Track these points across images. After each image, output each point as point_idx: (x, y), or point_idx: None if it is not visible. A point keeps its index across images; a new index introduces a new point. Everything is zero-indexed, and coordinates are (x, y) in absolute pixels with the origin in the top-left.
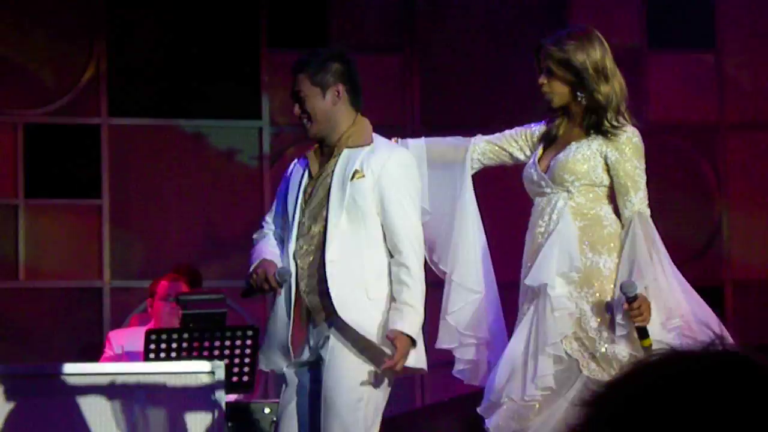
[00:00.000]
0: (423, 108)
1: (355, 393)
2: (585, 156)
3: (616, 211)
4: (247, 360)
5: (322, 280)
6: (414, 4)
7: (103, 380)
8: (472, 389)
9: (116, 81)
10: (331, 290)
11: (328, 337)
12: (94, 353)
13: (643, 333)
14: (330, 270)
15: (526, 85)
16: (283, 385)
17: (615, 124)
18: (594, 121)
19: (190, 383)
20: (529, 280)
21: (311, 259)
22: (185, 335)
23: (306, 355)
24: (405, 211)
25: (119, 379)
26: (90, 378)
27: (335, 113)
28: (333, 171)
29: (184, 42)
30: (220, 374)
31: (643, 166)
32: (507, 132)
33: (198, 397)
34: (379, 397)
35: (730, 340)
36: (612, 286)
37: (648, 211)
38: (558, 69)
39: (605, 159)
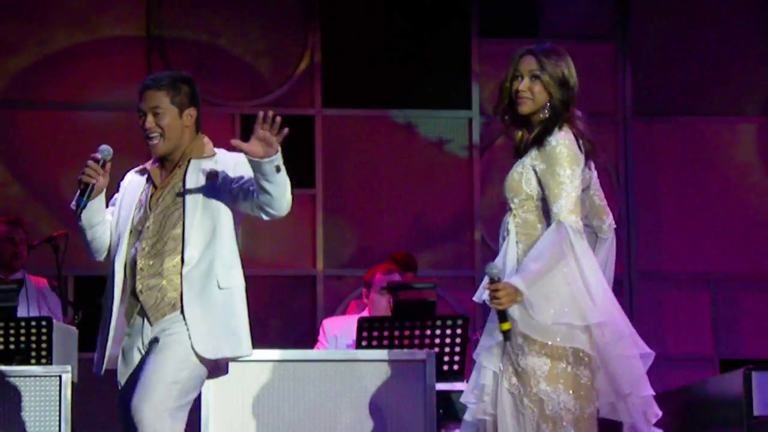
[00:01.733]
0: (635, 96)
1: (173, 376)
2: (519, 171)
3: None
4: (457, 349)
5: (169, 277)
6: None
7: (317, 367)
8: (684, 383)
9: (329, 72)
10: (184, 285)
11: (163, 330)
12: (308, 339)
13: (501, 317)
14: (186, 268)
15: (740, 72)
16: (121, 379)
17: (550, 133)
18: (539, 133)
19: (402, 371)
20: (476, 297)
21: (152, 258)
22: (396, 324)
23: (137, 350)
24: None
25: (332, 366)
26: (304, 364)
27: (185, 133)
28: (184, 178)
29: (395, 33)
30: (432, 363)
31: (568, 172)
32: None
33: (409, 385)
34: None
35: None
36: None
37: (571, 219)
38: (544, 76)
39: (534, 170)
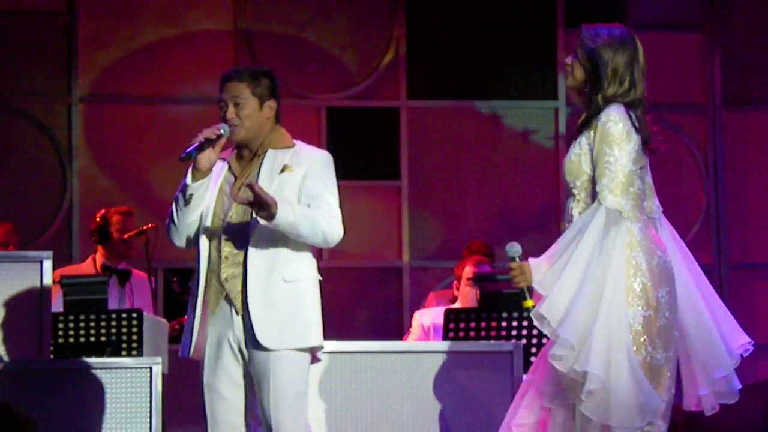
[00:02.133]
0: (724, 85)
1: (300, 384)
2: (576, 153)
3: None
4: (544, 340)
5: (244, 265)
6: None
7: (405, 358)
8: None
9: (415, 64)
10: (248, 274)
11: (253, 325)
12: (394, 331)
13: (522, 294)
14: (251, 255)
15: None
16: (209, 371)
17: (598, 113)
18: (588, 115)
19: (489, 362)
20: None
21: (235, 248)
22: (483, 315)
23: (227, 342)
24: (329, 190)
25: (419, 357)
26: (392, 356)
27: (265, 124)
28: (260, 168)
29: (480, 24)
30: (519, 354)
31: (615, 151)
32: None
33: (497, 376)
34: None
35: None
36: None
37: (610, 199)
38: (582, 55)
39: (591, 149)
